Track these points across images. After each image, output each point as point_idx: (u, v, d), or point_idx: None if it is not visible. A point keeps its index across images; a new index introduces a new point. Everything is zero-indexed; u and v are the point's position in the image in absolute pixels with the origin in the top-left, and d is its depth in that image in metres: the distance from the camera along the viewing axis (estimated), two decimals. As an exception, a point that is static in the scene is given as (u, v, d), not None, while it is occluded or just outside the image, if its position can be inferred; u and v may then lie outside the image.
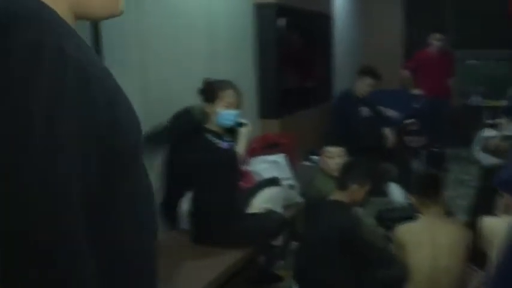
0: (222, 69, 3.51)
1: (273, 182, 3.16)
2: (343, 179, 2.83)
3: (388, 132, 4.70)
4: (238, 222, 2.72)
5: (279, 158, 3.47)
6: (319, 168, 3.47)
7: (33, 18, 0.66)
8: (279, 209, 3.13)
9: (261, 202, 3.02)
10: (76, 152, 0.65)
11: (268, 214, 2.88)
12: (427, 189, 2.71)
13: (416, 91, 5.87)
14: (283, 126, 4.12)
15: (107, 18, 0.84)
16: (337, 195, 2.81)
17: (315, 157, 4.60)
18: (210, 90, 2.70)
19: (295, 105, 4.44)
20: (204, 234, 2.68)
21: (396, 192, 4.41)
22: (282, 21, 4.15)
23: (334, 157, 3.30)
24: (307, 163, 4.52)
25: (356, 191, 2.77)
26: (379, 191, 4.49)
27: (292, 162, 3.65)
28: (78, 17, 0.79)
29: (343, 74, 5.93)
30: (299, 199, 3.45)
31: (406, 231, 2.80)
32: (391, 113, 5.91)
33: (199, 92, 2.72)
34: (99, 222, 0.72)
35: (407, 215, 3.94)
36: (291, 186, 3.41)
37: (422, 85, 5.82)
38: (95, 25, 2.36)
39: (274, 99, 4.04)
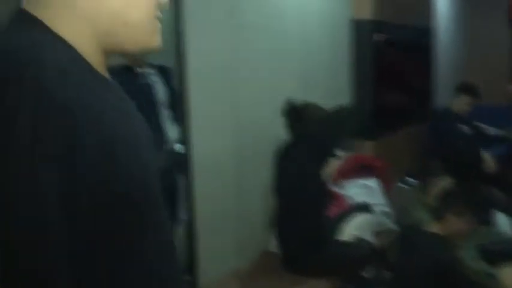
0: (316, 88, 3.44)
1: (365, 208, 3.01)
2: (439, 209, 2.62)
3: (487, 157, 4.33)
4: (325, 250, 2.62)
5: (372, 182, 3.31)
6: (416, 193, 3.25)
7: (31, 56, 0.61)
8: (369, 237, 2.98)
9: (351, 229, 2.89)
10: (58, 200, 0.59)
11: (358, 242, 2.74)
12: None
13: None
14: (379, 147, 3.94)
15: (140, 53, 0.78)
16: (434, 227, 2.60)
17: (411, 180, 4.36)
18: (293, 112, 2.65)
19: (392, 125, 4.23)
20: (291, 260, 2.61)
21: (503, 223, 4.04)
22: (379, 37, 3.98)
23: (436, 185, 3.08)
24: (402, 185, 4.29)
25: (453, 222, 2.54)
26: (483, 221, 4.15)
27: (386, 187, 3.46)
28: (110, 51, 0.74)
29: (445, 91, 5.58)
30: (392, 226, 3.26)
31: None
32: (494, 131, 5.49)
33: (282, 114, 2.67)
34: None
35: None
36: (384, 213, 3.23)
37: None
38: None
39: (370, 119, 3.88)
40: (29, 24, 0.67)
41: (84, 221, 0.62)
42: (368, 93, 3.85)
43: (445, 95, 5.71)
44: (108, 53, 0.74)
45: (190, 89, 2.42)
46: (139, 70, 2.43)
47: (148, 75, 2.47)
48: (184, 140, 2.44)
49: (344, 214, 2.96)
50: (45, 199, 0.58)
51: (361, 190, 3.27)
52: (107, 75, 0.75)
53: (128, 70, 2.36)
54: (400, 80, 4.50)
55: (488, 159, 4.33)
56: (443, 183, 3.04)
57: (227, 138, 2.67)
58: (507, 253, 3.62)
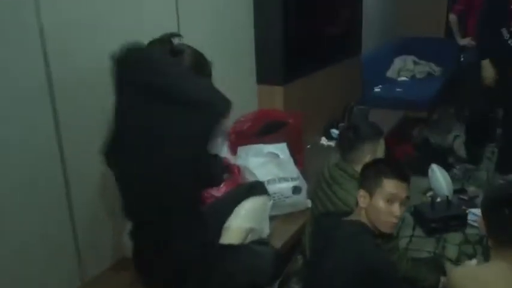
0: (205, 19, 2.44)
1: (256, 188, 2.13)
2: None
3: None
4: (202, 264, 1.72)
5: (280, 148, 2.41)
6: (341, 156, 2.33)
7: None
8: (267, 228, 2.14)
9: (241, 222, 2.02)
10: None
11: (254, 249, 1.87)
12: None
13: (464, 40, 4.67)
14: (291, 94, 3.02)
15: None
16: (358, 213, 1.81)
17: (335, 131, 3.54)
18: None
19: (309, 64, 3.29)
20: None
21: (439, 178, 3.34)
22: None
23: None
24: (324, 142, 3.45)
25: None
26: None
27: (299, 151, 2.59)
28: None
29: (375, 21, 4.74)
30: (309, 204, 2.43)
31: (468, 277, 1.75)
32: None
33: None
34: None
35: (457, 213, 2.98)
36: (295, 189, 2.37)
37: (472, 33, 4.61)
38: None
39: (278, 57, 2.92)
40: None
41: None
42: (276, 24, 2.87)
43: (376, 24, 4.88)
44: None
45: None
46: None
47: None
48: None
49: (229, 201, 2.06)
50: None
51: (266, 160, 2.37)
52: None
53: None
54: (319, 8, 3.52)
55: None
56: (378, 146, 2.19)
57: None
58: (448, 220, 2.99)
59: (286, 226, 2.35)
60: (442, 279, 2.19)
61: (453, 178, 3.49)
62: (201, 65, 1.60)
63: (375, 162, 1.90)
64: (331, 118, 3.66)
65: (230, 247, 1.86)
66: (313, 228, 1.90)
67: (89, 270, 1.99)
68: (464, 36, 4.75)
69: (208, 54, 1.61)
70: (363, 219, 1.78)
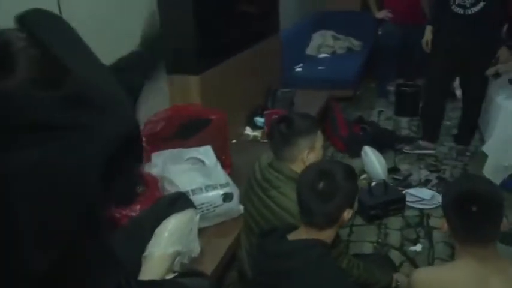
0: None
1: (179, 202, 1.79)
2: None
3: None
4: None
5: (204, 152, 2.05)
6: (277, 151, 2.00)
7: None
8: (197, 247, 1.81)
9: (165, 246, 1.67)
10: None
11: (184, 285, 1.52)
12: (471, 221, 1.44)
13: (381, 13, 4.56)
14: (208, 84, 2.66)
15: None
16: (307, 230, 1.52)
17: (260, 119, 3.24)
18: None
19: (225, 49, 2.94)
20: None
21: (373, 162, 3.18)
22: None
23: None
24: (249, 132, 3.14)
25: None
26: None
27: (225, 152, 2.25)
28: None
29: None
30: (242, 209, 2.12)
31: (432, 279, 1.56)
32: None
33: None
34: None
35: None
36: (225, 197, 2.04)
37: (389, 5, 4.51)
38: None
39: (190, 41, 2.54)
40: None
41: None
42: (184, 8, 2.48)
43: (293, 3, 4.61)
44: None
45: None
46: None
47: None
48: None
49: (148, 219, 1.70)
50: None
51: (187, 166, 2.01)
52: None
53: None
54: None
55: None
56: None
57: None
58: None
59: (218, 239, 2.02)
60: (395, 276, 2.00)
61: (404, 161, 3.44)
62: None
63: None
64: (254, 105, 3.36)
65: (152, 284, 1.50)
66: (258, 252, 1.58)
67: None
68: (380, 9, 4.64)
69: (100, 43, 1.21)
70: (322, 236, 1.50)
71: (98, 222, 1.13)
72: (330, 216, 1.50)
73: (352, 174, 1.54)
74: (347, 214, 1.53)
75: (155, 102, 2.32)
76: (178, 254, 1.75)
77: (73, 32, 0.96)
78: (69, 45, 0.93)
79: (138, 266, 1.64)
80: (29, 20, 0.87)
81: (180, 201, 1.79)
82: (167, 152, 2.04)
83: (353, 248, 2.57)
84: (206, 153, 2.02)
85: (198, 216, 1.83)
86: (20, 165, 0.73)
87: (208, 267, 1.85)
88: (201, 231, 1.90)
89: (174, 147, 2.07)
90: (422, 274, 1.61)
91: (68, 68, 0.83)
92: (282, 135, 1.87)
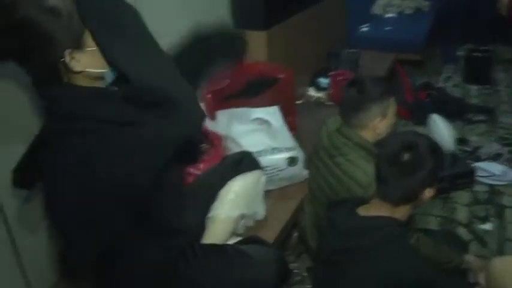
0: None
1: (245, 162, 1.71)
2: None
3: None
4: (184, 273, 1.32)
5: (271, 113, 1.95)
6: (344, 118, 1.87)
7: None
8: (262, 210, 1.74)
9: (230, 209, 1.61)
10: None
11: (248, 255, 1.46)
12: None
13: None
14: (275, 40, 2.53)
15: None
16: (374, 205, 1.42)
17: (324, 80, 3.08)
18: None
19: (290, 4, 2.76)
20: None
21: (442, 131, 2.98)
22: None
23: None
24: (313, 93, 3.00)
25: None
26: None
27: (291, 113, 2.14)
28: None
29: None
30: (306, 174, 2.02)
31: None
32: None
33: None
34: None
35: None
36: (291, 161, 1.95)
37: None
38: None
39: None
40: None
41: None
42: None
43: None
44: None
45: None
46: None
47: None
48: None
49: (210, 180, 1.64)
50: None
51: (253, 127, 1.93)
52: None
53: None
54: None
55: None
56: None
57: None
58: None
59: (282, 203, 1.95)
60: (467, 257, 1.87)
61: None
62: None
63: None
64: (318, 65, 3.20)
65: (216, 250, 1.44)
66: (327, 224, 1.49)
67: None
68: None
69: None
70: (396, 214, 1.39)
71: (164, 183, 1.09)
72: (409, 192, 1.38)
73: (439, 150, 1.41)
74: (428, 193, 1.40)
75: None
76: (243, 217, 1.70)
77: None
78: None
79: (202, 228, 1.60)
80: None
81: (246, 162, 1.73)
82: (232, 111, 1.96)
83: (417, 221, 2.44)
84: (273, 114, 1.92)
85: (264, 178, 1.76)
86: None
87: (272, 231, 1.79)
88: (265, 194, 1.83)
89: (238, 105, 1.98)
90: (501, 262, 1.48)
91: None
92: (353, 100, 1.75)
